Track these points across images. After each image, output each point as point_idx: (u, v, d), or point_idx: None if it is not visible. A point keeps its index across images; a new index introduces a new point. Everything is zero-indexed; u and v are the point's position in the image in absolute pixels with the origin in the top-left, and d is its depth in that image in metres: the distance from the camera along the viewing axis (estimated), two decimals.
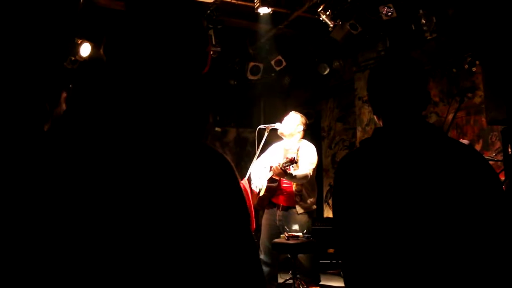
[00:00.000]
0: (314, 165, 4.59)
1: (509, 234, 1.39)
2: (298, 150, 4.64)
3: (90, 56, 5.86)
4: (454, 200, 1.40)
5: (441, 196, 1.41)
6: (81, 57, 5.90)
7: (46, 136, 0.98)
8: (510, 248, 1.38)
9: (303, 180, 4.52)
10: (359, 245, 1.51)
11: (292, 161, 4.26)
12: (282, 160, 4.42)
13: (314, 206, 4.75)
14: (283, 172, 4.33)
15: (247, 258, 0.94)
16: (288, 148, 4.76)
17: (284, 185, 4.65)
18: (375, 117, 1.69)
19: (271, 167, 4.54)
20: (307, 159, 4.57)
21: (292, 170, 4.39)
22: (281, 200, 4.67)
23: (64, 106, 1.64)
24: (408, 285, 1.41)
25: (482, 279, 1.37)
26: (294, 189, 4.61)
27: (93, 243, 0.86)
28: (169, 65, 1.00)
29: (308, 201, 4.64)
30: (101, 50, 1.03)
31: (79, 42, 5.82)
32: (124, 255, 0.86)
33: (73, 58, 6.02)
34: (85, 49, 5.85)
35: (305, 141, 4.77)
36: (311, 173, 4.54)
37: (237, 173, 0.98)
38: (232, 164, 0.97)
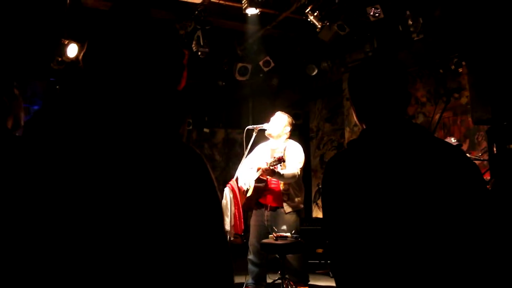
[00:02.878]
0: (301, 164, 4.61)
1: (492, 231, 1.42)
2: (285, 150, 4.65)
3: (77, 57, 5.82)
4: (440, 199, 1.42)
5: (427, 195, 1.42)
6: (68, 58, 5.86)
7: (22, 135, 1.00)
8: (494, 246, 1.41)
9: (291, 180, 4.53)
10: (348, 245, 1.51)
11: (280, 160, 4.27)
12: (269, 160, 4.42)
13: (302, 205, 4.76)
14: (271, 171, 4.33)
15: (216, 251, 0.97)
16: (275, 148, 4.76)
17: (272, 185, 4.66)
18: (356, 120, 1.70)
19: (258, 168, 4.54)
20: (294, 158, 4.58)
21: (280, 169, 4.40)
22: (268, 200, 4.68)
23: (21, 100, 1.63)
24: (396, 283, 1.42)
25: (467, 276, 1.39)
26: (281, 189, 4.62)
27: (70, 239, 0.87)
28: (143, 80, 1.02)
29: (296, 200, 4.66)
30: (80, 57, 1.05)
31: (66, 42, 5.78)
32: (100, 245, 0.88)
33: (59, 59, 5.98)
34: (72, 50, 5.80)
35: (292, 141, 4.79)
36: (299, 173, 4.55)
37: (209, 167, 1.00)
38: (204, 159, 1.00)
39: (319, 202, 8.14)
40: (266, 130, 4.71)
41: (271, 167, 4.32)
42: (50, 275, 0.86)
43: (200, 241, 0.94)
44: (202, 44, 5.80)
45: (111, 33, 1.03)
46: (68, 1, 4.91)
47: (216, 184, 1.00)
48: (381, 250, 1.44)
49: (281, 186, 4.62)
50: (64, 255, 0.87)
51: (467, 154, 5.14)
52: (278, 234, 4.45)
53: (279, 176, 4.42)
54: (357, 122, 1.70)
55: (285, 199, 4.62)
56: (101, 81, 1.01)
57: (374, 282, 1.45)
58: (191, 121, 8.04)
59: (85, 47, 1.04)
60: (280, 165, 4.37)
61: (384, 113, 1.58)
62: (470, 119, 5.62)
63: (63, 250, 0.87)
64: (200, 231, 0.95)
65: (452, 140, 4.83)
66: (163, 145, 0.97)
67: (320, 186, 7.07)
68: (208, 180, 0.99)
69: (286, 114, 4.81)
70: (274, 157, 4.37)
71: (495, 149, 3.65)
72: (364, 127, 1.64)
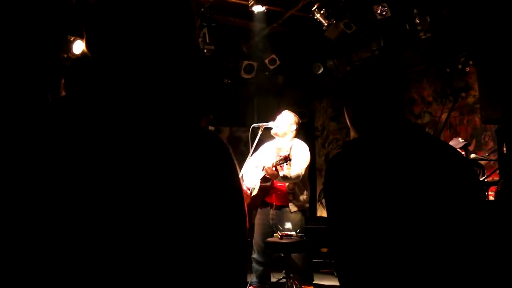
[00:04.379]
0: (307, 164, 4.59)
1: (489, 230, 1.45)
2: (290, 149, 4.62)
3: (82, 53, 5.82)
4: (439, 198, 1.44)
5: (427, 195, 1.44)
6: (74, 54, 5.86)
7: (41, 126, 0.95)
8: (493, 246, 1.44)
9: (296, 180, 4.51)
10: (351, 245, 1.52)
11: (286, 159, 4.25)
12: (275, 159, 4.40)
13: (307, 205, 4.75)
14: (276, 173, 4.31)
15: (233, 254, 0.92)
16: (281, 147, 4.74)
17: (277, 185, 4.65)
18: (349, 124, 1.70)
19: (263, 167, 4.52)
20: (300, 157, 4.56)
21: (286, 169, 4.38)
22: (274, 199, 4.66)
23: (63, 93, 1.61)
24: (398, 282, 1.42)
25: (469, 275, 1.41)
26: (287, 188, 4.60)
27: (87, 236, 0.84)
28: (157, 53, 0.95)
29: (301, 199, 4.64)
30: (85, 47, 0.99)
31: (71, 39, 5.78)
32: (120, 241, 0.84)
33: (65, 55, 5.97)
34: (78, 46, 5.80)
35: (298, 140, 4.76)
36: (304, 172, 4.53)
37: (234, 157, 0.93)
38: (230, 148, 0.94)
39: (324, 201, 8.10)
40: (271, 128, 4.68)
41: (275, 168, 4.30)
42: (56, 271, 0.84)
43: (219, 242, 0.90)
44: (208, 41, 5.79)
45: (107, 8, 0.96)
46: None
47: (239, 176, 0.95)
48: (384, 250, 1.45)
49: (287, 185, 4.60)
50: (76, 246, 0.84)
51: (473, 154, 5.13)
52: (283, 233, 4.44)
53: (284, 178, 4.40)
54: (350, 126, 1.70)
55: (290, 198, 4.60)
56: (112, 62, 0.95)
57: (376, 281, 1.45)
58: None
59: (85, 35, 0.98)
60: (286, 164, 4.34)
61: (383, 114, 1.59)
62: (477, 118, 5.60)
63: (74, 242, 0.84)
64: (220, 232, 0.90)
65: (460, 140, 4.80)
66: (186, 131, 0.91)
67: (323, 184, 7.07)
68: (234, 177, 0.93)
69: (293, 113, 4.79)
70: (280, 156, 4.34)
71: (504, 149, 3.62)
72: (356, 132, 1.66)
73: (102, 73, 0.96)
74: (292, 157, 4.41)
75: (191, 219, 0.87)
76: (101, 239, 0.84)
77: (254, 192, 4.63)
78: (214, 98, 8.33)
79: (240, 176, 4.71)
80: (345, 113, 1.73)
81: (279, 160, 4.29)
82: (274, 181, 4.61)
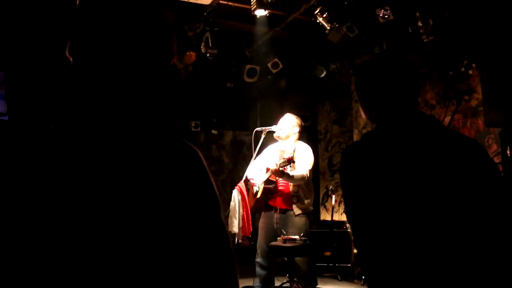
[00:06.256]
0: (311, 166, 4.58)
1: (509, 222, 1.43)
2: (294, 151, 4.62)
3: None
4: (458, 191, 1.43)
5: (445, 188, 1.44)
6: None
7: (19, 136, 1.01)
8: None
9: (301, 181, 4.49)
10: (372, 237, 1.53)
11: (290, 161, 4.24)
12: (278, 161, 4.40)
13: (311, 207, 4.73)
14: (281, 172, 4.31)
15: (217, 245, 0.95)
16: (284, 150, 4.74)
17: (281, 187, 4.63)
18: (367, 120, 1.69)
19: (267, 169, 4.52)
20: (304, 159, 4.55)
21: (289, 170, 4.38)
22: (278, 202, 4.65)
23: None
24: (416, 276, 1.43)
25: (489, 273, 1.39)
26: (290, 190, 4.59)
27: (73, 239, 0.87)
28: (134, 60, 1.00)
29: (305, 202, 4.62)
30: (66, 52, 1.02)
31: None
32: (98, 244, 0.87)
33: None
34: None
35: (301, 142, 4.76)
36: (308, 174, 4.52)
37: (204, 162, 0.99)
38: (200, 153, 0.99)
39: (327, 204, 8.11)
40: (274, 132, 4.69)
41: (280, 168, 4.30)
42: (47, 274, 0.86)
43: (199, 238, 0.93)
44: (210, 45, 5.80)
45: (92, 17, 1.00)
46: (77, 2, 4.92)
47: (212, 178, 0.99)
48: (402, 243, 1.45)
49: (291, 188, 4.59)
50: (63, 253, 0.87)
51: None
52: (286, 236, 4.43)
53: (288, 177, 4.39)
54: (368, 121, 1.70)
55: (294, 201, 4.59)
56: (90, 72, 0.99)
57: (396, 273, 1.47)
58: (199, 122, 8.04)
59: (68, 38, 1.01)
60: (290, 166, 4.34)
61: (397, 106, 1.59)
62: (480, 121, 5.59)
63: (62, 248, 0.87)
64: (198, 228, 0.93)
65: None
66: (155, 140, 0.96)
67: (329, 188, 7.08)
68: (203, 174, 0.97)
69: (295, 115, 4.79)
70: (284, 158, 4.34)
71: (508, 151, 3.61)
72: (375, 127, 1.64)
73: (80, 82, 1.01)
74: (295, 159, 4.41)
75: (167, 221, 0.91)
76: (85, 249, 0.87)
77: (258, 195, 4.63)
78: (215, 104, 8.35)
79: (244, 179, 4.73)
80: (361, 110, 1.72)
81: (283, 163, 4.29)
82: (278, 183, 4.61)
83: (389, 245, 1.47)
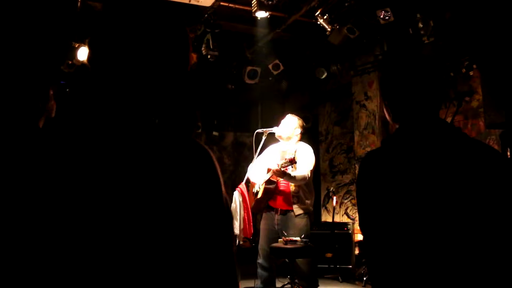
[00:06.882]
0: (312, 166, 4.58)
1: None
2: (295, 152, 4.62)
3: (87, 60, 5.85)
4: (477, 201, 1.41)
5: (464, 197, 1.42)
6: (78, 61, 5.89)
7: (40, 135, 1.02)
8: None
9: (302, 182, 4.50)
10: (383, 244, 1.51)
11: (292, 161, 4.25)
12: (280, 162, 4.41)
13: (311, 208, 4.73)
14: (282, 172, 4.31)
15: (218, 246, 0.96)
16: (285, 150, 4.74)
17: (282, 187, 4.63)
18: (390, 120, 1.67)
19: (268, 169, 4.52)
20: (305, 160, 4.56)
21: (291, 171, 4.38)
22: (278, 203, 4.64)
23: (53, 102, 1.67)
24: (427, 280, 1.42)
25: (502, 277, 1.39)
26: (291, 191, 4.59)
27: (80, 237, 0.88)
28: (153, 68, 1.03)
29: (306, 202, 4.62)
30: (86, 60, 1.06)
31: (76, 46, 5.81)
32: (102, 243, 0.88)
33: (70, 62, 6.01)
34: (82, 53, 5.83)
35: (302, 143, 4.77)
36: (309, 175, 4.52)
37: (216, 164, 1.01)
38: (212, 155, 1.01)
39: (328, 206, 8.11)
40: (275, 133, 4.69)
41: (282, 169, 4.30)
42: (50, 274, 0.87)
43: (204, 240, 0.94)
44: (211, 47, 5.81)
45: (111, 28, 1.03)
46: (79, 5, 4.94)
47: (222, 181, 1.00)
48: (417, 249, 1.44)
49: (291, 188, 4.59)
50: (66, 253, 0.88)
51: None
52: (287, 238, 4.42)
53: (290, 177, 4.39)
54: (390, 122, 1.68)
55: (295, 201, 4.58)
56: (108, 79, 1.02)
57: (407, 276, 1.45)
58: (200, 124, 8.05)
59: (88, 48, 1.05)
60: (291, 167, 4.34)
61: (419, 112, 1.56)
62: (481, 123, 5.59)
63: (65, 248, 0.88)
64: (204, 232, 0.94)
65: None
66: (170, 140, 0.98)
67: (330, 189, 7.08)
68: (214, 177, 0.98)
69: (296, 116, 4.80)
70: (285, 159, 4.34)
71: (508, 153, 3.61)
72: (397, 127, 1.63)
73: (99, 88, 1.04)
74: (297, 159, 4.41)
75: (172, 219, 0.92)
76: (90, 247, 0.88)
77: (259, 195, 4.62)
78: (216, 106, 8.36)
79: (245, 180, 4.73)
80: (385, 111, 1.69)
81: (285, 163, 4.29)
82: (278, 184, 4.61)
83: (408, 260, 1.45)
